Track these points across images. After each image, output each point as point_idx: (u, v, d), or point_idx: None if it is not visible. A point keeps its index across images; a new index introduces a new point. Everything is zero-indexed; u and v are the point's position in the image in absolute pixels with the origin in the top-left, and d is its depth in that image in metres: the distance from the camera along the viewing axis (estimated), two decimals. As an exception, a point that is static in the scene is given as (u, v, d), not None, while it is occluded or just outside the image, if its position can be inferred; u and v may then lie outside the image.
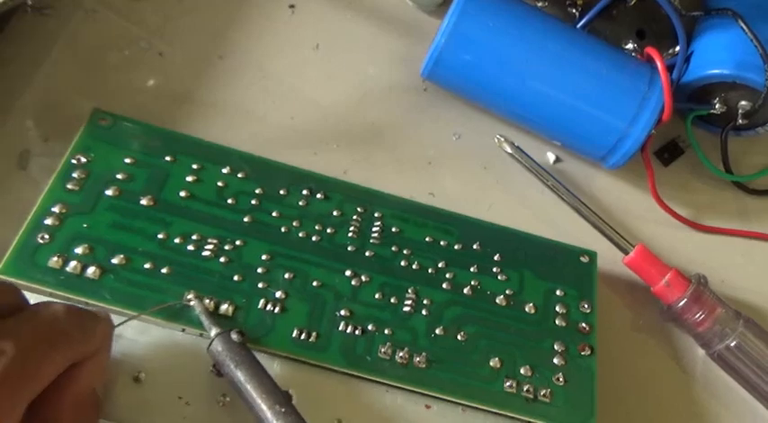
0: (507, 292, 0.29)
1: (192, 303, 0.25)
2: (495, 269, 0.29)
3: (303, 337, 0.26)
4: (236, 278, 0.27)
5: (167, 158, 0.29)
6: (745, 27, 0.31)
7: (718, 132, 0.35)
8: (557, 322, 0.29)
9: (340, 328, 0.27)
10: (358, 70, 0.35)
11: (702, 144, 0.34)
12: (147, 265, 0.26)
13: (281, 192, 0.29)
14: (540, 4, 0.35)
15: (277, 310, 0.26)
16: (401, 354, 0.26)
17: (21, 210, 0.26)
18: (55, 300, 0.24)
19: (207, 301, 0.26)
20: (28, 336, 0.20)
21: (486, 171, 0.34)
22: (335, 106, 0.34)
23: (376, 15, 0.36)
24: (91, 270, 0.25)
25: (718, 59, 0.33)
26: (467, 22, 0.31)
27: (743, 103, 0.34)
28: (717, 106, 0.34)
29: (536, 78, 0.32)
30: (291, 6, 0.35)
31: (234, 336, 0.24)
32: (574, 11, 0.36)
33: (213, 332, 0.24)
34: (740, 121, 0.34)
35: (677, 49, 0.34)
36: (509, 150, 0.32)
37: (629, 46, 0.36)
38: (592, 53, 0.32)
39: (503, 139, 0.33)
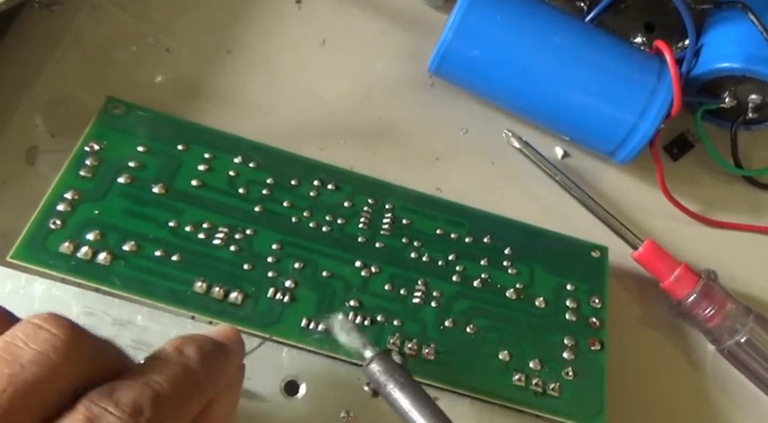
0: (517, 285, 0.29)
1: (339, 320, 0.26)
2: (505, 263, 0.30)
3: (312, 326, 0.26)
4: (246, 267, 0.27)
5: (180, 147, 0.29)
6: (755, 20, 0.31)
7: (727, 126, 0.35)
8: (567, 317, 0.29)
9: (349, 318, 0.27)
10: (365, 65, 0.35)
11: (712, 138, 0.35)
12: (157, 253, 0.27)
13: (293, 182, 0.30)
14: (547, -2, 0.36)
15: (286, 299, 0.27)
16: (410, 345, 0.27)
17: (29, 205, 0.27)
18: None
19: (216, 288, 0.26)
20: (164, 391, 0.18)
21: (494, 166, 0.34)
22: (342, 101, 0.34)
23: (383, 10, 0.36)
24: (102, 256, 0.26)
25: (727, 53, 0.33)
26: (474, 17, 0.31)
27: (753, 96, 0.34)
28: (726, 100, 0.34)
29: (544, 73, 0.32)
30: (298, 1, 0.36)
31: (396, 357, 0.25)
32: (582, 4, 0.36)
33: (369, 353, 0.24)
34: (750, 114, 0.34)
35: (686, 42, 0.34)
36: (517, 145, 0.33)
37: (638, 39, 0.36)
38: (600, 47, 0.32)
39: (510, 134, 0.33)
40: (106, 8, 0.34)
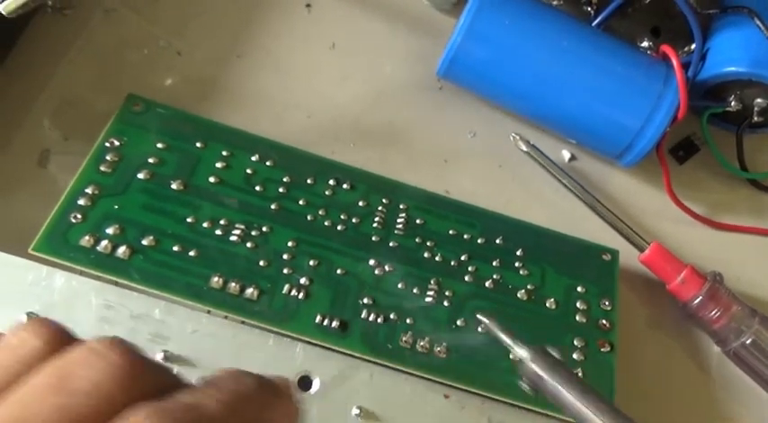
0: (529, 286, 0.30)
1: (486, 322, 0.25)
2: (517, 264, 0.30)
3: (326, 322, 0.27)
4: (261, 263, 0.28)
5: (198, 144, 0.30)
6: (761, 25, 0.32)
7: (733, 130, 0.36)
8: (577, 318, 0.29)
9: (362, 316, 0.27)
10: (374, 69, 0.36)
11: (718, 142, 0.35)
12: (175, 248, 0.27)
13: (309, 181, 0.30)
14: (555, 3, 0.36)
15: (301, 295, 0.27)
16: (422, 343, 0.27)
17: (41, 207, 0.27)
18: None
19: (233, 284, 0.27)
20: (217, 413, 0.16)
21: (502, 169, 0.34)
22: (352, 105, 0.34)
23: (392, 14, 0.37)
24: (121, 250, 0.26)
25: (733, 57, 0.33)
26: (482, 21, 0.32)
27: (758, 100, 0.34)
28: (732, 104, 0.34)
29: (551, 77, 0.32)
30: (308, 5, 0.36)
31: (553, 352, 0.24)
32: (589, 9, 0.36)
33: (523, 350, 0.23)
34: (756, 118, 0.35)
35: (693, 46, 0.34)
36: (524, 148, 0.33)
37: (645, 44, 0.36)
38: (607, 51, 0.33)
39: (518, 138, 0.33)
40: (119, 12, 0.34)
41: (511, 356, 0.25)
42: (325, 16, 0.36)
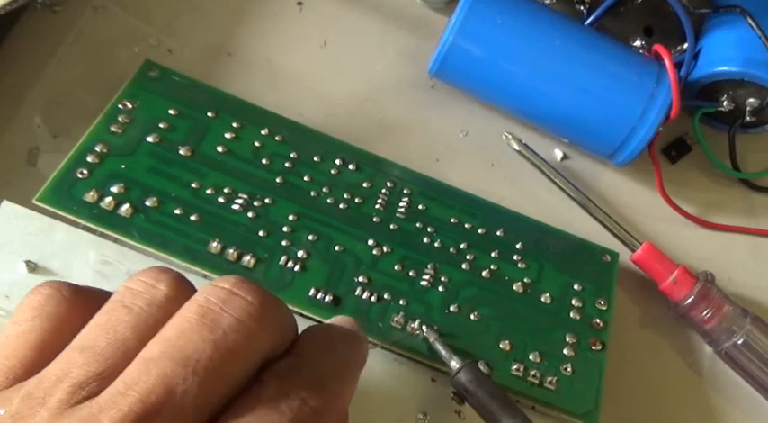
0: (525, 280, 0.30)
1: (427, 336, 0.27)
2: (515, 257, 0.31)
3: (319, 296, 0.28)
4: (261, 233, 0.28)
5: (210, 114, 0.31)
6: (753, 24, 0.32)
7: (725, 129, 0.36)
8: (571, 315, 0.30)
9: (356, 293, 0.28)
10: (366, 67, 0.36)
11: (710, 141, 0.36)
12: (177, 211, 0.28)
13: (315, 158, 0.31)
14: (547, 2, 0.36)
15: (297, 268, 0.28)
16: (413, 324, 0.28)
17: (29, 207, 0.27)
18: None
19: (230, 250, 0.27)
20: (327, 382, 0.18)
21: (494, 168, 0.34)
22: (343, 103, 0.35)
23: (384, 12, 0.37)
24: (124, 208, 0.27)
25: (726, 57, 0.34)
26: (475, 20, 0.32)
27: (751, 100, 0.34)
28: (725, 104, 0.35)
29: (544, 76, 0.32)
30: (299, 3, 0.36)
31: (482, 367, 0.26)
32: (581, 8, 0.37)
33: (455, 364, 0.26)
34: (748, 118, 0.35)
35: (685, 46, 0.35)
36: (516, 147, 0.33)
37: (637, 43, 0.37)
38: (599, 50, 0.33)
39: (510, 137, 0.33)
40: (109, 9, 0.34)
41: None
42: (317, 14, 0.37)
